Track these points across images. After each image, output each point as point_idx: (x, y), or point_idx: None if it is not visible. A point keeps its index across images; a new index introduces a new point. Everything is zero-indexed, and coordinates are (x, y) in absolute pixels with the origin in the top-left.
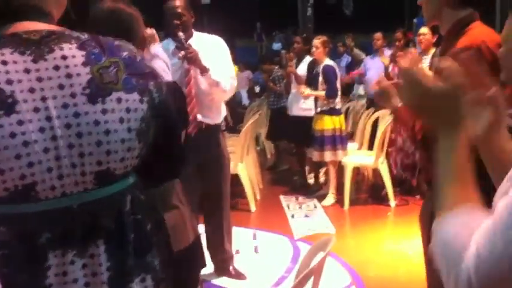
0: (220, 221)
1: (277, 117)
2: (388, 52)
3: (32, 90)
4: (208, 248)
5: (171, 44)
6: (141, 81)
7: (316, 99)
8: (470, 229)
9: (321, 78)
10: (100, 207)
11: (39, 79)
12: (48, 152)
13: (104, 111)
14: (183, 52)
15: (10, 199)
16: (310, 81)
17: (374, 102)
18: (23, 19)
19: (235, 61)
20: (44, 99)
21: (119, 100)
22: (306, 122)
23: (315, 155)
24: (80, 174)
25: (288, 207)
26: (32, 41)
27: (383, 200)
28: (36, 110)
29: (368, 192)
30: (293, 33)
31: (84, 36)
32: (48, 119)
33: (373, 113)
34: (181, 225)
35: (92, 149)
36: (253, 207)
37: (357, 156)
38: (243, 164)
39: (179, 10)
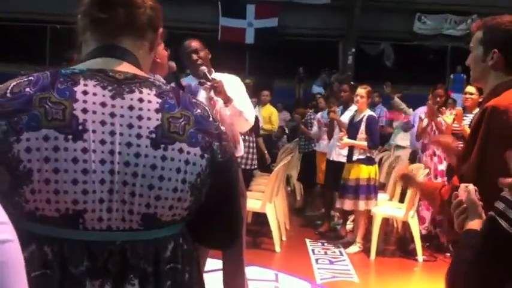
0: (240, 255)
1: (307, 161)
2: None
3: (103, 123)
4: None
5: (192, 81)
6: (206, 139)
7: (351, 147)
8: None
9: (362, 128)
10: (140, 248)
11: (112, 114)
12: (103, 184)
13: (163, 158)
14: (209, 83)
15: (59, 222)
16: (348, 129)
17: (414, 153)
18: (111, 56)
19: (273, 102)
20: (112, 133)
21: (181, 151)
22: (343, 168)
23: (347, 204)
24: (127, 211)
25: (313, 252)
26: (116, 79)
27: (411, 254)
28: (102, 142)
29: (396, 244)
30: (328, 76)
31: (166, 86)
32: (111, 152)
33: (406, 165)
34: None
35: (143, 191)
36: (278, 248)
37: (387, 207)
38: (272, 204)
39: (195, 47)
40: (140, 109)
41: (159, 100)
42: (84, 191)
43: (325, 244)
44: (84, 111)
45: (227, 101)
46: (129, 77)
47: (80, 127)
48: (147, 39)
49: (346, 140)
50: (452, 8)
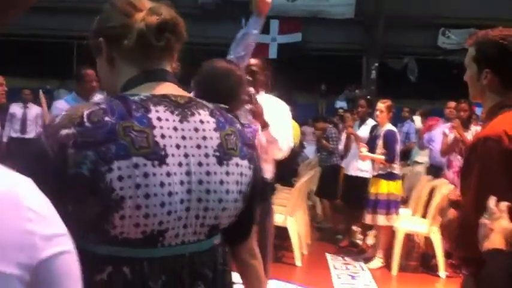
0: (266, 272)
1: (327, 175)
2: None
3: (178, 147)
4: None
5: None
6: (249, 151)
7: (372, 161)
8: None
9: (380, 142)
10: (204, 257)
11: (183, 137)
12: (182, 203)
13: (227, 173)
14: (250, 106)
15: (140, 243)
16: (369, 143)
17: (438, 170)
18: (162, 80)
19: (296, 116)
20: (186, 155)
21: (237, 165)
22: (361, 183)
23: (367, 218)
24: (199, 225)
25: (334, 267)
26: (179, 103)
27: (433, 269)
28: (180, 164)
29: (418, 259)
30: (356, 89)
31: (210, 105)
32: (188, 173)
33: (430, 181)
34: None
35: (214, 205)
36: (298, 262)
37: (409, 222)
38: (293, 218)
39: (253, 68)
40: (203, 130)
41: (213, 119)
42: (168, 212)
43: (346, 259)
44: (163, 136)
45: (264, 125)
46: (187, 101)
47: (162, 152)
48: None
49: (365, 152)
50: (477, 22)
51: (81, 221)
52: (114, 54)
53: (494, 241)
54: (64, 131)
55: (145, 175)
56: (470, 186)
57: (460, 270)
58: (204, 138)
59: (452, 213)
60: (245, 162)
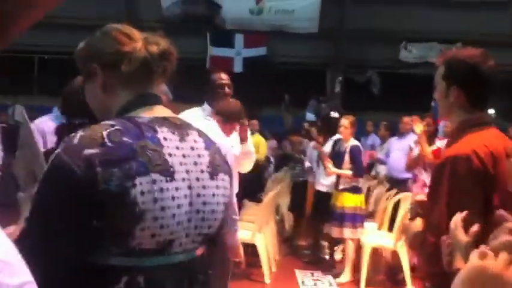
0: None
1: (300, 190)
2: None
3: (181, 164)
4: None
5: (207, 110)
6: (226, 166)
7: (338, 176)
8: None
9: (347, 157)
10: (198, 262)
11: (184, 156)
12: (186, 214)
13: (217, 187)
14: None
15: (153, 252)
16: (334, 158)
17: (396, 183)
18: (157, 104)
19: (261, 130)
20: (187, 171)
21: (222, 179)
22: (327, 198)
23: (334, 231)
24: (197, 234)
25: (303, 283)
26: (176, 125)
27: (400, 283)
28: (183, 179)
29: (385, 273)
30: (321, 102)
31: (195, 127)
32: (189, 187)
33: (394, 195)
34: None
35: (209, 216)
36: (267, 279)
37: (376, 237)
38: (261, 234)
39: (229, 82)
40: (197, 148)
41: (202, 139)
42: (178, 222)
43: (315, 275)
44: (170, 155)
45: (245, 139)
46: (181, 123)
47: (171, 169)
48: None
49: (332, 168)
50: (438, 36)
51: (105, 234)
52: (110, 79)
53: (460, 259)
54: (88, 151)
55: (161, 190)
56: (441, 205)
57: (424, 283)
58: (199, 156)
59: (415, 226)
60: (227, 177)
